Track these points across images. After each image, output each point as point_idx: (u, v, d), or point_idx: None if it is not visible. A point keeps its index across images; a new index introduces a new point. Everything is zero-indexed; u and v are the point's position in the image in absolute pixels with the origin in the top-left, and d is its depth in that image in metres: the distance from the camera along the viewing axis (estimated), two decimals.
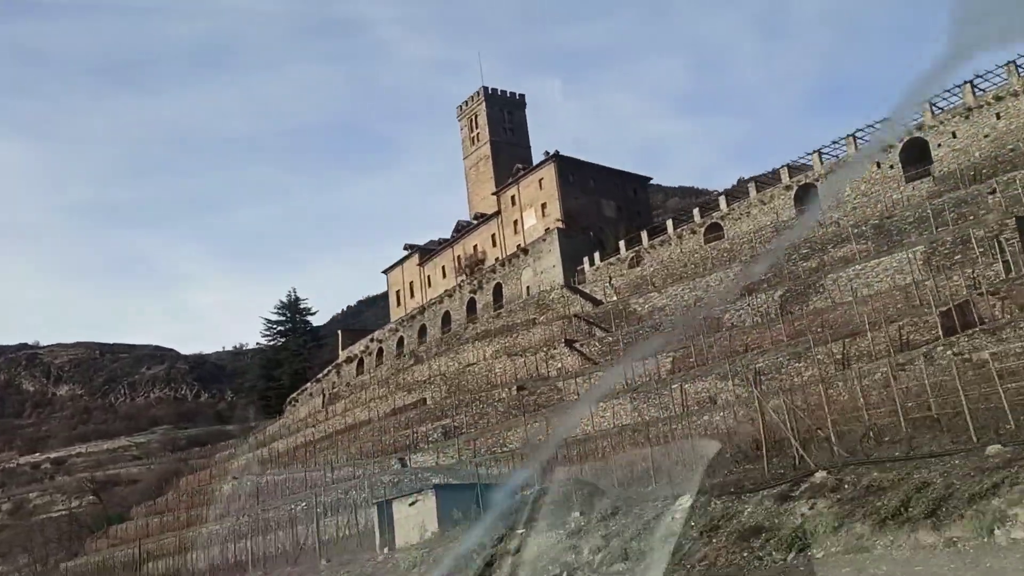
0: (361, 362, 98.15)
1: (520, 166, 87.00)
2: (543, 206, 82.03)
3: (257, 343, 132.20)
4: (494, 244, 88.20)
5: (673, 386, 39.43)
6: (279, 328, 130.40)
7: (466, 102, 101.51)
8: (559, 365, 55.48)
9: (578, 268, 71.84)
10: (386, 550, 20.15)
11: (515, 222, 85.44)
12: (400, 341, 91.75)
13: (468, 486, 22.57)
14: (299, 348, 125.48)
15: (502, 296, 78.87)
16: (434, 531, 19.24)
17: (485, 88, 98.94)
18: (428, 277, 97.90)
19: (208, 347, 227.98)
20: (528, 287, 75.67)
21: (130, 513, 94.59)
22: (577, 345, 55.56)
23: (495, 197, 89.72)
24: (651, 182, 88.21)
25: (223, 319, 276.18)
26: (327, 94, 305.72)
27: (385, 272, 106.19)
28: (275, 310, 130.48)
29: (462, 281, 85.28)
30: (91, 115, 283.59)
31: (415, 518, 19.35)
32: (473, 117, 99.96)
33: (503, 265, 79.18)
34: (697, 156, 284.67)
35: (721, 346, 43.13)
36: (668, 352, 45.28)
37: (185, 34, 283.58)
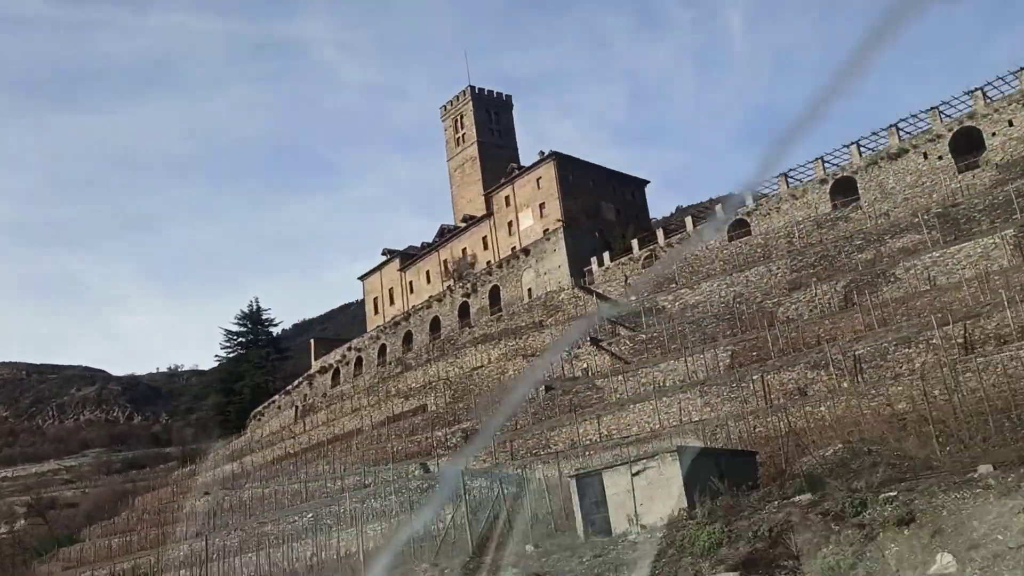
0: (337, 372, 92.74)
1: (515, 165, 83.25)
2: (541, 206, 78.28)
3: (216, 356, 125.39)
4: (485, 247, 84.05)
5: (753, 377, 35.63)
6: (240, 340, 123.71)
7: (451, 102, 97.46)
8: (584, 365, 51.53)
9: (585, 269, 68.14)
10: (600, 537, 15.68)
11: (509, 223, 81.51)
12: (382, 349, 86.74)
13: (708, 452, 18.13)
14: (261, 360, 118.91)
15: (500, 299, 74.66)
16: (681, 508, 14.81)
17: (472, 87, 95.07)
18: (410, 283, 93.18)
19: (141, 368, 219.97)
20: (530, 289, 71.66)
21: (80, 535, 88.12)
22: (604, 344, 51.64)
23: (485, 199, 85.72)
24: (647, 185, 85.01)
25: (156, 340, 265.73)
26: (266, 115, 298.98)
27: (361, 279, 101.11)
28: (235, 320, 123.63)
29: (451, 286, 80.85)
30: (18, 132, 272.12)
31: (645, 491, 14.95)
32: (458, 117, 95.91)
33: (500, 267, 75.07)
34: None
35: (787, 338, 39.59)
36: (727, 346, 41.66)
37: (122, 51, 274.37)
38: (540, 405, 46.76)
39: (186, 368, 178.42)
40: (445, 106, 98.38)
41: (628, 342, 50.66)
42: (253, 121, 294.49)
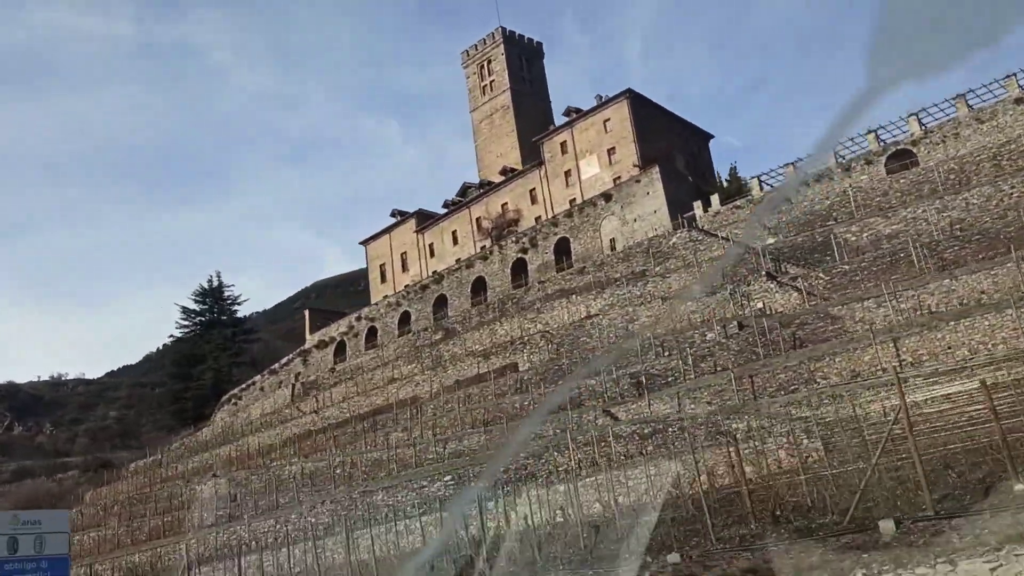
0: (342, 346, 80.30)
1: (572, 108, 72.96)
2: (610, 151, 68.49)
3: (171, 336, 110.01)
4: (533, 201, 73.57)
5: None
6: (199, 319, 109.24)
7: (475, 46, 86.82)
8: (759, 305, 41.91)
9: (685, 216, 58.56)
10: None
11: (566, 173, 71.35)
12: (405, 317, 74.95)
13: None
14: (226, 341, 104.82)
15: (569, 252, 64.24)
16: None
17: (503, 28, 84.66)
18: (430, 245, 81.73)
19: (20, 376, 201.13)
20: (613, 239, 61.49)
21: None
22: (786, 281, 42.13)
23: (533, 147, 75.37)
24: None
25: (32, 348, 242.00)
26: (152, 118, 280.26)
27: (364, 243, 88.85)
28: (194, 297, 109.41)
29: (499, 243, 69.86)
30: None
31: None
32: (485, 63, 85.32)
33: (570, 217, 64.63)
34: None
35: None
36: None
37: None
38: (742, 342, 36.74)
39: (71, 377, 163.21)
40: (468, 51, 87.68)
41: (823, 276, 41.25)
42: (138, 124, 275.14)
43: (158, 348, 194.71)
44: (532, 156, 78.49)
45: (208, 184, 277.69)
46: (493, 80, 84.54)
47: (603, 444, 31.54)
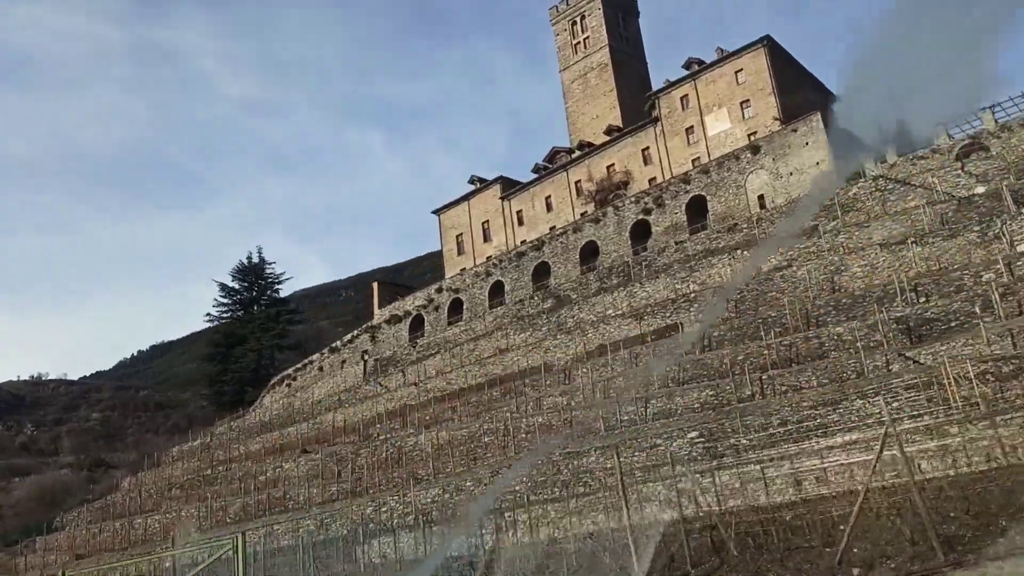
0: (419, 320, 72.96)
1: (693, 59, 66.10)
2: (743, 104, 61.76)
3: (208, 316, 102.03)
4: (646, 161, 66.63)
5: None
6: (238, 297, 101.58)
7: (566, 0, 79.86)
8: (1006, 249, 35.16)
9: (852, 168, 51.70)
10: None
11: (688, 130, 64.46)
12: (497, 287, 67.77)
13: None
14: (268, 321, 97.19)
15: (706, 211, 57.35)
16: None
17: None
18: (518, 213, 74.62)
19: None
20: (761, 195, 54.62)
21: (61, 521, 67.86)
22: None
23: (637, 106, 68.67)
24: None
25: (9, 348, 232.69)
26: (132, 121, 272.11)
27: (437, 212, 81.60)
28: (234, 274, 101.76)
29: (614, 206, 62.84)
30: None
31: None
32: (579, 18, 78.47)
33: (706, 173, 57.66)
34: None
35: None
36: None
37: None
38: None
39: (53, 377, 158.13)
40: (557, 6, 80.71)
41: None
42: (117, 127, 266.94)
43: (133, 354, 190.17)
44: (635, 117, 71.69)
45: (189, 190, 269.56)
46: (587, 37, 77.65)
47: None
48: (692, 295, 45.44)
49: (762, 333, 37.69)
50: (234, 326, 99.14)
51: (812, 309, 37.00)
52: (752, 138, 59.36)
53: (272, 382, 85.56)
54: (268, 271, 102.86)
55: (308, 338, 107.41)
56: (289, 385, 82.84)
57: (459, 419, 44.82)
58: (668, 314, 45.48)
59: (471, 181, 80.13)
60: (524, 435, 38.60)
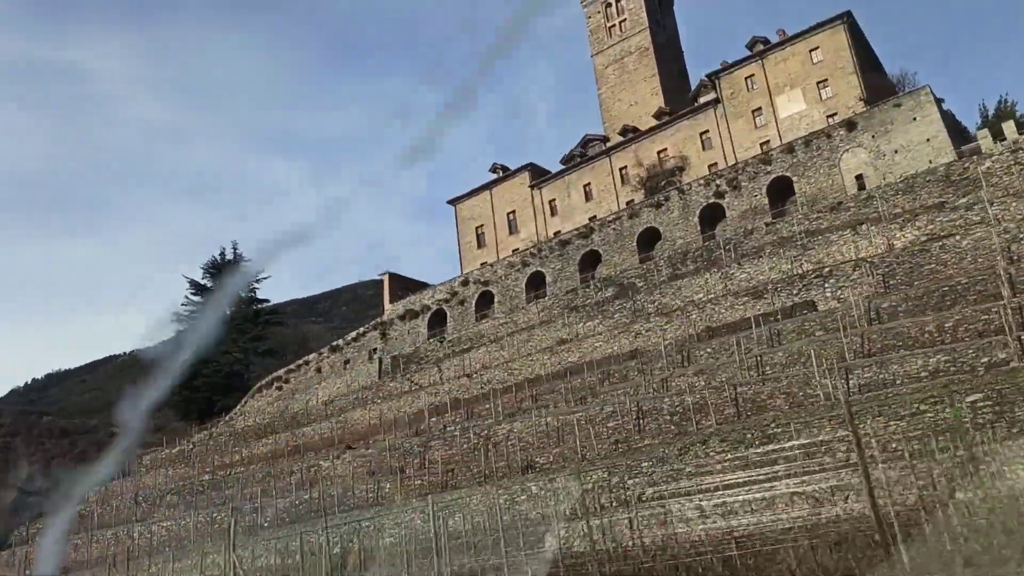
0: (440, 315, 66.13)
1: (757, 38, 61.49)
2: (821, 84, 57.25)
3: (175, 315, 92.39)
4: (704, 146, 61.53)
5: None
6: (212, 295, 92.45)
7: None
8: None
9: (963, 148, 47.65)
10: None
11: (755, 111, 59.67)
12: (535, 277, 61.55)
13: None
14: (244, 323, 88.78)
15: (787, 194, 52.42)
16: None
17: None
18: (550, 202, 68.64)
19: None
20: (859, 175, 49.86)
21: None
22: None
23: (680, 93, 63.93)
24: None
25: None
26: (31, 143, 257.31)
27: (453, 202, 75.06)
28: (206, 269, 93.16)
29: (679, 190, 57.49)
30: None
31: None
32: (614, 0, 73.38)
33: (790, 152, 52.71)
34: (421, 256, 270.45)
35: None
36: None
37: None
38: None
39: None
40: None
41: None
42: (15, 148, 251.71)
43: (27, 382, 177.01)
44: (676, 106, 66.71)
45: (93, 215, 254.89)
46: (624, 20, 72.58)
47: None
48: (826, 271, 39.92)
49: (948, 302, 32.41)
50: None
51: (1018, 274, 31.74)
52: (831, 120, 54.81)
53: (259, 384, 77.21)
54: (245, 268, 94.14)
55: (288, 342, 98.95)
56: (280, 388, 74.72)
57: (564, 404, 38.20)
58: (796, 292, 39.97)
59: (493, 169, 73.92)
60: (670, 416, 32.34)
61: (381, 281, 73.99)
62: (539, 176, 70.37)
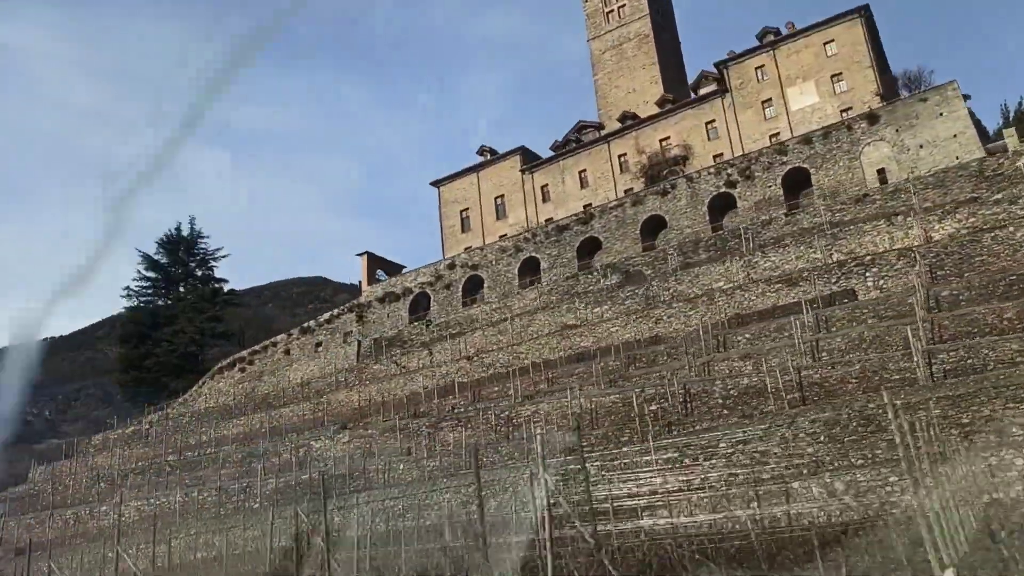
0: (423, 298, 63.10)
1: (769, 28, 59.98)
2: (835, 77, 55.88)
3: (125, 289, 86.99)
4: (708, 136, 59.71)
5: None
6: (167, 273, 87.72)
7: None
8: None
9: (991, 145, 46.69)
10: None
11: (764, 102, 58.08)
12: (528, 263, 58.96)
13: None
14: (201, 302, 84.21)
15: (806, 184, 50.83)
16: None
17: None
18: (543, 187, 66.13)
19: None
20: (881, 169, 48.44)
21: None
22: None
23: (678, 81, 62.24)
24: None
25: None
26: None
27: (437, 184, 72.02)
28: (160, 243, 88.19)
29: (688, 179, 55.56)
30: None
31: None
32: None
33: (808, 143, 51.11)
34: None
35: None
36: None
37: None
38: None
39: None
40: None
41: None
42: None
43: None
44: (677, 94, 64.87)
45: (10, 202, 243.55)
46: (623, 6, 70.54)
47: None
48: (867, 260, 38.18)
49: (1016, 291, 30.83)
50: (157, 304, 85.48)
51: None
52: (845, 114, 53.43)
53: (219, 366, 72.78)
54: (201, 245, 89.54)
55: (248, 325, 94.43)
56: (243, 370, 70.54)
57: (592, 387, 35.60)
58: (834, 281, 38.18)
59: (480, 152, 71.09)
60: (723, 400, 30.04)
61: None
62: (531, 160, 67.79)
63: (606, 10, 71.27)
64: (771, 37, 59.17)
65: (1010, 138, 46.11)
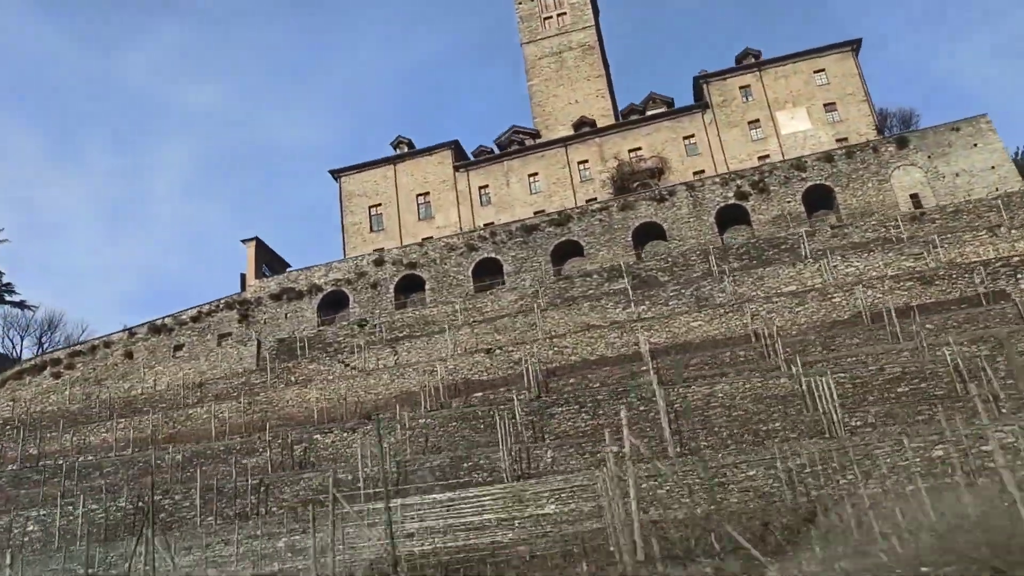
0: (342, 298, 51.53)
1: (751, 50, 56.92)
2: (828, 107, 53.69)
3: None
4: (687, 151, 54.87)
5: None
6: None
7: None
8: None
9: None
10: None
11: (751, 123, 54.51)
12: (484, 264, 50.00)
13: None
14: None
15: (826, 203, 47.18)
16: None
17: None
18: (482, 188, 57.55)
19: None
20: (914, 194, 45.87)
21: None
22: None
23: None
24: None
25: None
26: None
27: (336, 174, 60.79)
28: None
29: (661, 191, 50.05)
30: None
31: None
32: None
33: (830, 161, 47.62)
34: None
35: None
36: None
37: None
38: None
39: None
40: None
41: None
42: None
43: None
44: (627, 108, 59.99)
45: None
46: (563, 14, 64.88)
47: None
48: (1016, 260, 34.25)
49: None
50: None
51: None
52: (842, 143, 51.02)
53: (17, 370, 54.84)
54: None
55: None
56: (59, 376, 53.40)
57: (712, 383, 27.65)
58: (979, 283, 33.84)
59: (395, 144, 61.10)
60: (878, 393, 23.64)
61: None
62: (463, 158, 58.93)
63: (543, 15, 65.23)
64: (751, 59, 56.19)
65: None
